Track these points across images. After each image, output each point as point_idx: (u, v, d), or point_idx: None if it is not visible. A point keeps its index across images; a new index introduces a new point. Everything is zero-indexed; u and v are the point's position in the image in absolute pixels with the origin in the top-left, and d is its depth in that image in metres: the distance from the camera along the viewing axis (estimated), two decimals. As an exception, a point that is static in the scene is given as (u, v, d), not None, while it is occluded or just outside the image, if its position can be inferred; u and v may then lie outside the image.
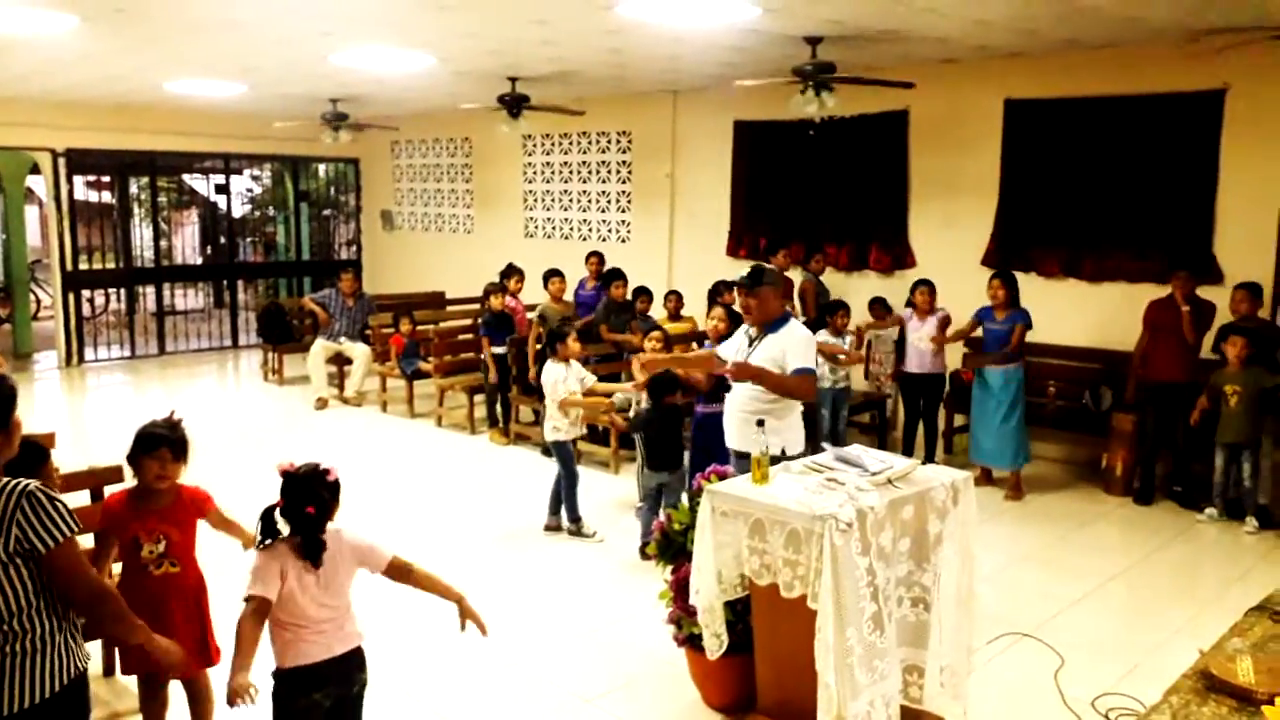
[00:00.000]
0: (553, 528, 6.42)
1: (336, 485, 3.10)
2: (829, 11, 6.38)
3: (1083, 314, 7.99)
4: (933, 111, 8.73)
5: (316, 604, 3.05)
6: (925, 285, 7.80)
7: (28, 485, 2.44)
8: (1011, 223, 8.37)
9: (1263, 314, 6.90)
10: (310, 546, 3.01)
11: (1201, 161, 7.33)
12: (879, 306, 8.71)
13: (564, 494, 6.37)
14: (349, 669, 3.13)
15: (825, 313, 7.89)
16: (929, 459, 7.60)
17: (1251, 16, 6.14)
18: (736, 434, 4.89)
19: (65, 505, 2.51)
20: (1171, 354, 6.93)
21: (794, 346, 4.74)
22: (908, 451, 7.74)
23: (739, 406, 4.87)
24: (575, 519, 6.37)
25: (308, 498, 3.02)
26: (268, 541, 3.03)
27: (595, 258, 9.97)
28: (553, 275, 9.13)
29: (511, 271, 9.47)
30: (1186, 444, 6.99)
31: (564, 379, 6.34)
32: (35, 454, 3.38)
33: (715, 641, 3.77)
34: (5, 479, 2.45)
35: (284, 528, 3.05)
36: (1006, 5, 6.23)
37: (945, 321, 7.77)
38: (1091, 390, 7.68)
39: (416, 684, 4.41)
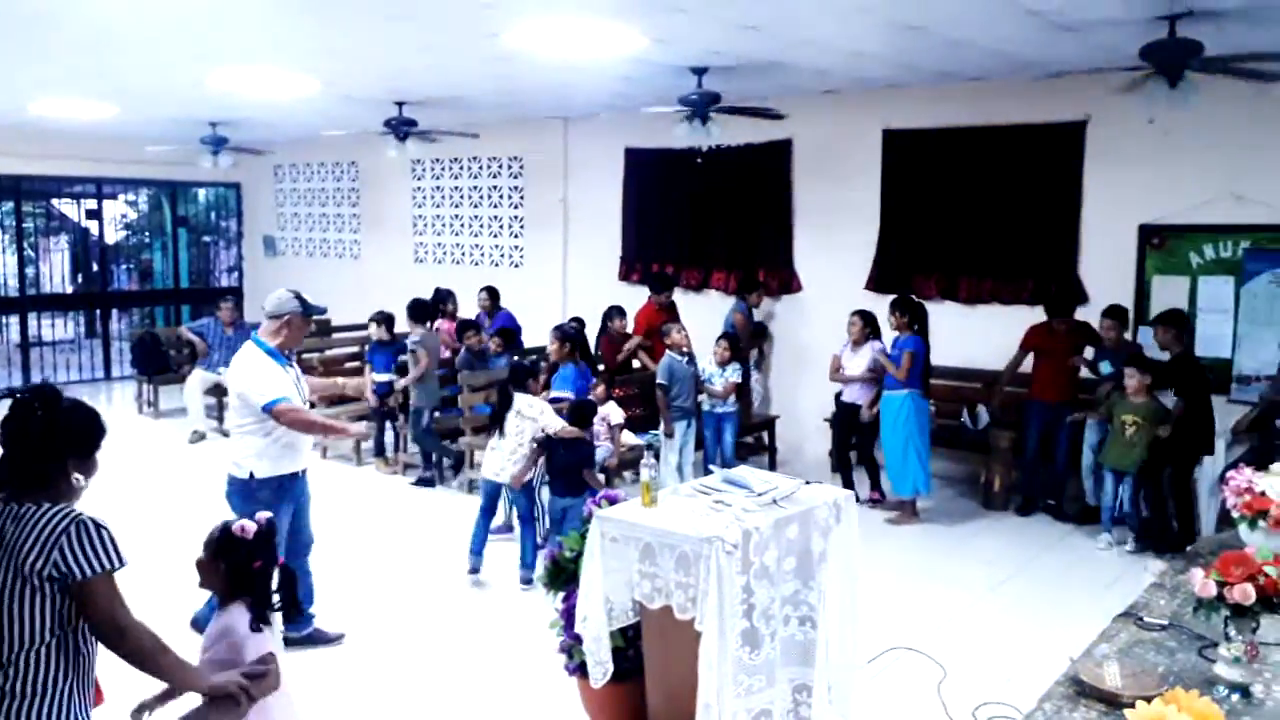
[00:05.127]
0: (476, 570, 6.05)
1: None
2: (711, 43, 6.51)
3: (960, 336, 8.25)
4: (815, 141, 8.96)
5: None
6: (857, 315, 7.56)
7: (81, 514, 2.45)
8: (892, 248, 8.64)
9: (1126, 335, 7.20)
10: (262, 603, 2.84)
11: (1066, 189, 7.71)
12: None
13: (525, 538, 6.03)
14: None
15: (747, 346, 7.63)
16: (874, 487, 7.67)
17: (1106, 57, 6.52)
18: None
19: (114, 540, 2.47)
20: (1053, 376, 7.25)
21: None
22: (847, 484, 7.38)
23: None
24: (479, 552, 6.05)
25: (257, 552, 2.85)
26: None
27: (487, 293, 9.82)
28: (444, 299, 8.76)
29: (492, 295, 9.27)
30: (1063, 461, 7.27)
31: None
32: None
33: (599, 670, 3.72)
34: (65, 506, 2.46)
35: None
36: (880, 38, 6.45)
37: (883, 353, 7.47)
38: (969, 408, 7.94)
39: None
